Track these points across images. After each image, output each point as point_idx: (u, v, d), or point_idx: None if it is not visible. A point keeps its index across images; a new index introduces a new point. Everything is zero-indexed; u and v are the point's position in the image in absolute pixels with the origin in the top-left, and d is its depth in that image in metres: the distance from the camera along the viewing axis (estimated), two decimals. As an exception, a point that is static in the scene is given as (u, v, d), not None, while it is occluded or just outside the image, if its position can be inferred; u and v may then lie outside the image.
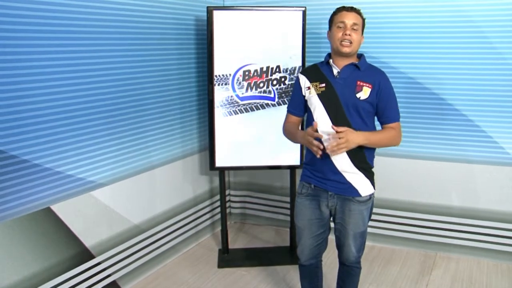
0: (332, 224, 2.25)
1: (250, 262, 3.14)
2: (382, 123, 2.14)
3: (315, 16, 3.27)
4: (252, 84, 3.02)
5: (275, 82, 3.03)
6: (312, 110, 2.10)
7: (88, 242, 2.53)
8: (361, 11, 2.12)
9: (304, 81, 2.14)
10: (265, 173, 3.72)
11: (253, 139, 3.10)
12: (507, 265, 3.09)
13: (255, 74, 3.01)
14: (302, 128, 2.40)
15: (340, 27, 2.03)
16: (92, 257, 2.57)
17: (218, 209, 3.59)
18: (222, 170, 3.19)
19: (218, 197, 3.61)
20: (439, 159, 3.16)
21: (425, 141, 3.18)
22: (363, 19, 2.10)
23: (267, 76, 3.02)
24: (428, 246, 3.30)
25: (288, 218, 3.47)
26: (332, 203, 2.13)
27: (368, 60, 3.17)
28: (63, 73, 2.28)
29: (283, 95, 3.05)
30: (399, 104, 3.22)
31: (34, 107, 2.16)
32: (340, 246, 2.22)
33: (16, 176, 2.10)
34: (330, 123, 2.01)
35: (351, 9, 2.06)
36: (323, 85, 2.07)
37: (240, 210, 3.95)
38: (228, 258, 3.24)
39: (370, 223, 3.41)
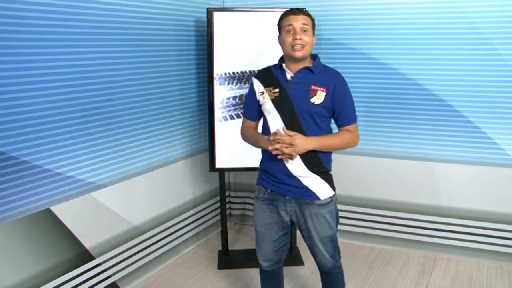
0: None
1: (250, 263, 3.13)
2: (338, 126, 2.09)
3: (315, 17, 3.27)
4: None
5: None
6: (266, 116, 2.07)
7: (88, 243, 2.53)
8: (309, 11, 2.07)
9: (258, 86, 2.08)
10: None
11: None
12: (507, 266, 3.09)
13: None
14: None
15: (290, 32, 1.98)
16: (92, 258, 2.57)
17: (218, 210, 3.60)
18: (222, 171, 3.19)
19: (218, 198, 3.61)
20: (439, 160, 3.16)
21: (425, 142, 3.18)
22: (313, 20, 2.05)
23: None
24: (428, 247, 3.30)
25: (288, 219, 3.47)
26: (290, 208, 2.07)
27: (368, 61, 3.16)
28: (62, 74, 2.29)
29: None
30: (401, 106, 3.24)
31: (34, 109, 2.16)
32: (312, 253, 2.16)
33: (16, 177, 2.10)
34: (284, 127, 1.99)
35: (299, 11, 2.01)
36: (277, 90, 2.02)
37: (240, 211, 3.95)
38: (228, 259, 3.23)
39: (370, 224, 3.45)
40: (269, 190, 2.09)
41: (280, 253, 2.20)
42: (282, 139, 1.90)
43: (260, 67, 3.00)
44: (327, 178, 2.07)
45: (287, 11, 2.03)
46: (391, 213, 3.38)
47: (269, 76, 2.08)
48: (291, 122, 2.00)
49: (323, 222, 2.05)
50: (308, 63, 2.05)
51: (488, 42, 2.90)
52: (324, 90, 1.99)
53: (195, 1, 3.25)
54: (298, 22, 1.97)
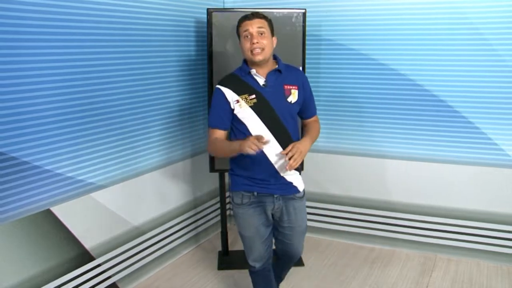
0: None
1: (250, 264, 3.13)
2: (306, 118, 2.22)
3: (315, 18, 3.28)
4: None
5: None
6: (244, 123, 2.05)
7: (88, 244, 2.53)
8: (265, 14, 2.10)
9: (230, 95, 2.05)
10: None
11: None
12: (507, 267, 3.09)
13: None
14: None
15: (247, 37, 2.01)
16: (92, 259, 2.57)
17: (218, 211, 3.60)
18: (222, 172, 3.19)
19: (218, 199, 3.61)
20: (439, 161, 3.16)
21: (425, 142, 3.18)
22: (269, 21, 2.08)
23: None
24: (428, 247, 3.30)
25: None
26: (278, 205, 2.14)
27: (368, 62, 3.18)
28: (62, 75, 2.29)
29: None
30: (400, 106, 3.23)
31: (34, 109, 2.16)
32: (286, 247, 2.25)
33: (16, 178, 2.10)
34: (269, 133, 2.03)
35: (253, 15, 2.03)
36: (253, 96, 2.03)
37: (240, 212, 3.94)
38: (228, 260, 3.23)
39: (370, 224, 3.45)
40: (255, 193, 2.12)
41: (270, 251, 2.26)
42: (293, 151, 1.92)
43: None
44: (300, 173, 2.24)
45: (242, 17, 2.06)
46: (391, 214, 3.38)
47: (239, 83, 2.07)
48: (274, 126, 2.05)
49: (303, 214, 2.23)
50: (273, 65, 2.10)
51: (488, 43, 2.90)
52: (296, 87, 2.10)
53: (195, 2, 3.25)
54: (254, 26, 2.00)
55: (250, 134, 2.02)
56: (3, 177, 2.04)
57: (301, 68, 3.00)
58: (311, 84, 3.34)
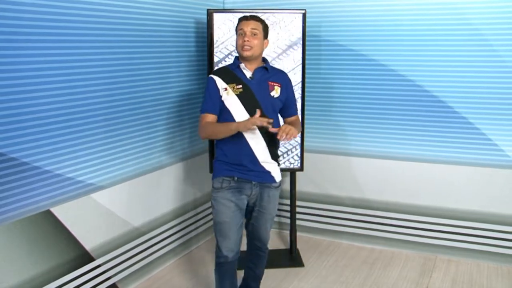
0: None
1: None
2: (287, 116, 2.42)
3: (315, 19, 3.28)
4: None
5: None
6: (230, 110, 2.25)
7: (88, 244, 2.53)
8: (262, 17, 2.32)
9: (220, 83, 2.27)
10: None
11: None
12: (507, 268, 3.08)
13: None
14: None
15: (241, 34, 2.24)
16: (92, 259, 2.56)
17: (218, 212, 3.59)
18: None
19: (218, 199, 3.60)
20: (439, 161, 3.16)
21: (425, 143, 3.18)
22: (264, 25, 2.30)
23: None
24: (428, 248, 3.30)
25: (288, 221, 3.47)
26: (255, 192, 2.31)
27: (367, 62, 3.21)
28: (62, 76, 2.29)
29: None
30: (400, 107, 3.22)
31: (34, 110, 2.16)
32: (256, 232, 2.42)
33: (16, 178, 2.10)
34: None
35: (251, 17, 2.27)
36: (240, 86, 2.25)
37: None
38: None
39: (370, 225, 3.45)
40: (235, 178, 2.28)
41: (241, 239, 2.38)
42: (283, 127, 2.11)
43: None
44: (278, 164, 2.40)
45: (241, 17, 2.31)
46: (391, 215, 3.38)
47: (229, 74, 2.30)
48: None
49: (275, 203, 2.41)
50: (261, 64, 2.33)
51: (488, 44, 2.91)
52: (279, 85, 2.32)
53: (195, 3, 3.25)
54: (248, 26, 2.23)
55: (234, 121, 2.21)
56: (3, 178, 2.04)
57: (301, 64, 3.03)
58: (311, 84, 3.37)
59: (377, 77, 3.23)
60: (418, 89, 3.13)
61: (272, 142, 2.30)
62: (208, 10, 2.94)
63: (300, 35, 2.99)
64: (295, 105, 2.46)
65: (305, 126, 3.19)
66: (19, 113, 2.09)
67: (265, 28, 2.30)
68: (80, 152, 2.43)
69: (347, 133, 3.40)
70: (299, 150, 3.12)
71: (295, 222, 3.33)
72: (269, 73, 2.32)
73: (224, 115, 2.26)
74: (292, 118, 2.43)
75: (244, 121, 2.13)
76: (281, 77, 2.36)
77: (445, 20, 2.98)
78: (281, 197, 3.71)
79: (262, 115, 2.11)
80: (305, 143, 3.26)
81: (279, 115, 2.39)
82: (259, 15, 2.97)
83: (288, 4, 3.36)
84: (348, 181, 3.46)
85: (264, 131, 2.23)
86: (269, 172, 2.32)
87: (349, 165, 3.43)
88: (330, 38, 3.31)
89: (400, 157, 3.27)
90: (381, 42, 3.17)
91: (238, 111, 2.24)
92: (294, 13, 2.98)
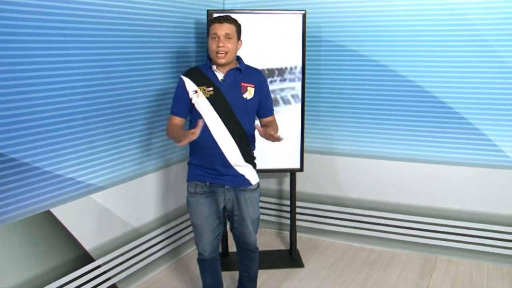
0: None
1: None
2: (263, 117, 2.36)
3: (315, 20, 3.28)
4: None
5: (275, 86, 3.03)
6: (201, 113, 2.21)
7: (88, 245, 2.53)
8: (234, 18, 2.23)
9: (190, 84, 2.23)
10: (265, 177, 3.73)
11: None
12: (508, 268, 3.09)
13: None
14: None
15: (214, 38, 2.17)
16: (92, 260, 2.56)
17: (218, 212, 3.59)
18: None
19: (218, 200, 3.60)
20: (439, 162, 3.16)
21: (425, 144, 3.18)
22: (237, 26, 2.23)
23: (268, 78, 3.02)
24: (428, 249, 3.30)
25: (288, 222, 3.47)
26: (229, 196, 2.29)
27: (367, 63, 3.20)
28: (62, 76, 2.29)
29: (284, 98, 3.05)
30: (401, 107, 3.23)
31: (34, 110, 2.16)
32: (240, 235, 2.40)
33: (16, 179, 2.10)
34: (222, 124, 2.19)
35: (223, 19, 2.18)
36: (211, 89, 2.20)
37: (240, 213, 3.94)
38: (228, 261, 3.23)
39: (370, 226, 3.45)
40: (207, 184, 2.27)
41: (218, 240, 2.41)
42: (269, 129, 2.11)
43: (261, 69, 3.03)
44: (254, 167, 2.36)
45: (214, 18, 2.22)
46: (391, 215, 3.38)
47: (200, 75, 2.24)
48: (228, 119, 2.19)
49: (254, 205, 2.35)
50: (235, 64, 2.27)
51: (488, 44, 2.91)
52: (253, 86, 2.26)
53: (195, 3, 3.25)
54: (222, 30, 2.16)
55: (205, 124, 2.17)
56: (3, 178, 2.04)
57: (301, 65, 3.02)
58: (311, 84, 3.36)
59: (377, 78, 3.23)
60: (418, 90, 3.13)
61: (244, 144, 2.26)
62: (208, 10, 2.94)
63: (300, 35, 2.99)
64: (271, 105, 2.40)
65: (305, 126, 3.19)
66: (19, 113, 2.09)
67: (238, 29, 2.24)
68: (80, 153, 2.43)
69: (347, 133, 3.40)
70: (299, 150, 3.12)
71: (295, 222, 3.33)
72: (242, 73, 2.26)
73: (196, 117, 2.22)
74: (269, 119, 2.38)
75: (183, 133, 2.06)
76: (255, 77, 2.29)
77: (444, 21, 2.98)
78: (281, 197, 3.72)
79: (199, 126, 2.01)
80: (305, 144, 3.27)
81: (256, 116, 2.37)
82: (259, 16, 2.99)
83: (288, 5, 3.36)
84: (348, 181, 3.46)
85: (235, 134, 2.22)
86: (242, 176, 2.28)
87: (349, 166, 3.43)
88: (330, 39, 3.32)
89: (400, 157, 3.27)
90: (381, 43, 3.17)
91: (209, 115, 2.20)
92: (294, 13, 2.98)
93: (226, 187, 2.27)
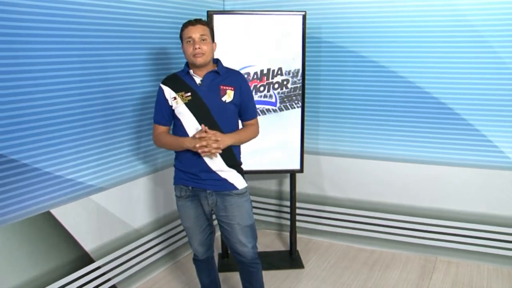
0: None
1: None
2: (243, 120, 2.31)
3: (315, 21, 3.29)
4: (251, 88, 3.02)
5: (276, 86, 3.03)
6: (180, 119, 2.20)
7: (88, 246, 2.53)
8: (206, 20, 2.21)
9: (169, 92, 2.22)
10: (265, 178, 3.72)
11: (253, 144, 3.09)
12: (508, 269, 3.08)
13: (255, 77, 3.01)
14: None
15: (189, 42, 2.15)
16: (92, 261, 2.56)
17: (218, 213, 3.59)
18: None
19: (218, 201, 3.60)
20: (439, 163, 3.16)
21: (425, 145, 3.18)
22: (210, 28, 2.23)
23: (268, 79, 3.02)
24: (428, 250, 3.30)
25: (288, 223, 3.47)
26: (212, 201, 2.24)
27: (367, 64, 3.19)
28: (63, 77, 2.29)
29: (285, 99, 3.05)
30: (401, 108, 3.22)
31: (34, 111, 2.16)
32: (231, 246, 2.32)
33: (16, 180, 2.10)
34: (201, 127, 2.13)
35: (196, 22, 2.17)
36: (189, 94, 2.18)
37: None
38: (228, 262, 3.23)
39: (370, 227, 3.45)
40: (190, 188, 2.24)
41: (210, 240, 2.42)
42: (209, 136, 2.06)
43: (261, 69, 3.04)
44: (240, 171, 2.28)
45: (186, 22, 2.20)
46: (391, 216, 3.38)
47: (178, 82, 2.23)
48: (207, 123, 2.15)
49: (243, 211, 2.24)
50: (212, 67, 2.24)
51: (488, 45, 2.91)
52: (232, 88, 2.21)
53: (195, 4, 3.25)
54: (196, 33, 2.14)
55: (185, 129, 2.18)
56: (3, 179, 2.04)
57: (301, 66, 3.02)
58: (311, 85, 3.35)
59: (377, 79, 3.23)
60: (418, 91, 3.13)
61: (225, 149, 2.16)
62: (208, 11, 2.94)
63: (300, 36, 2.99)
64: (253, 108, 2.31)
65: (305, 127, 3.19)
66: (19, 114, 2.09)
67: (212, 31, 2.24)
68: (80, 154, 2.43)
69: (347, 134, 3.40)
70: (299, 151, 3.12)
71: (295, 223, 3.33)
72: (221, 76, 2.21)
73: (177, 123, 2.22)
74: (248, 122, 2.31)
75: (188, 139, 2.12)
76: (234, 80, 2.23)
77: (445, 21, 2.98)
78: (281, 198, 3.72)
79: (201, 132, 2.07)
80: (305, 145, 3.26)
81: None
82: (259, 17, 2.99)
83: (288, 6, 3.37)
84: (348, 182, 3.46)
85: None
86: (225, 180, 2.21)
87: (349, 167, 3.43)
88: (330, 40, 3.32)
89: (401, 158, 3.27)
90: (381, 43, 3.17)
91: (188, 120, 2.18)
92: (294, 14, 2.98)
93: (208, 191, 2.22)
